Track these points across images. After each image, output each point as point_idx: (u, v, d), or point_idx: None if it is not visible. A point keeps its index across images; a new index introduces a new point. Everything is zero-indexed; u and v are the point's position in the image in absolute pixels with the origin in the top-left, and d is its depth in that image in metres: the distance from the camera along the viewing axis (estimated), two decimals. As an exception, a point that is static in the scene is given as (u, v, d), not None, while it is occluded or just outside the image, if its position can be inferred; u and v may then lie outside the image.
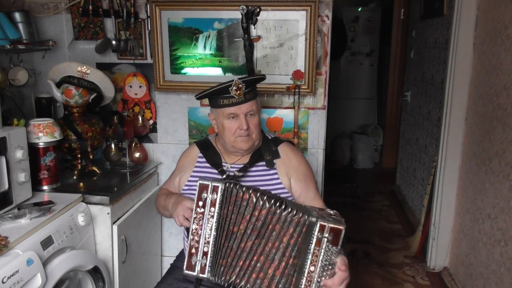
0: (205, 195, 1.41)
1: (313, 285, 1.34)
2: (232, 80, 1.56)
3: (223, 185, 1.40)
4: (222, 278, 1.41)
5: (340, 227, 1.34)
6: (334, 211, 1.43)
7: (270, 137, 1.77)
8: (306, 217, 1.36)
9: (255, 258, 1.39)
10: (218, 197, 1.40)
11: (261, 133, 1.72)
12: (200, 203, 1.42)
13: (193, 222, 1.42)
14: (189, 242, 1.43)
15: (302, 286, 1.34)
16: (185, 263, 1.42)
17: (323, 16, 2.09)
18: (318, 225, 1.33)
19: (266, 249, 1.39)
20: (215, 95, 1.61)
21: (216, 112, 1.65)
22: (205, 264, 1.40)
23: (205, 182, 1.42)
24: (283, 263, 1.37)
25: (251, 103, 1.61)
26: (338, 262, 1.34)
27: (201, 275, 1.41)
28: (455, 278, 2.65)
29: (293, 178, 1.66)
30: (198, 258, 1.41)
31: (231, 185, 1.41)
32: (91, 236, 1.81)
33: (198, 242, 1.41)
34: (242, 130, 1.60)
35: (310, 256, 1.34)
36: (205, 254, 1.41)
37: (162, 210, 1.74)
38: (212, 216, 1.41)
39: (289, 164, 1.69)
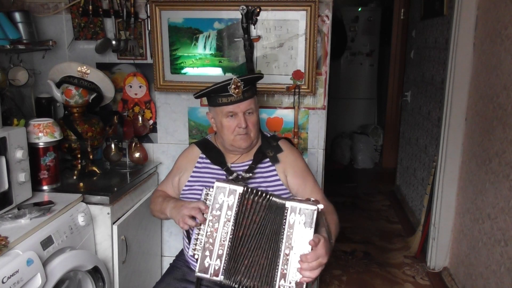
0: (222, 197, 1.42)
1: (288, 267, 1.34)
2: (231, 79, 1.56)
3: (241, 188, 1.41)
4: (232, 279, 1.41)
5: (311, 208, 1.34)
6: (314, 198, 1.42)
7: (268, 135, 1.78)
8: (278, 201, 1.39)
9: (257, 253, 1.40)
10: (235, 201, 1.41)
11: (260, 131, 1.72)
12: (217, 206, 1.42)
13: (208, 225, 1.42)
14: (202, 244, 1.42)
15: (279, 269, 1.35)
16: (198, 265, 1.42)
17: (323, 16, 2.09)
18: (289, 207, 1.36)
19: (263, 244, 1.40)
20: (213, 94, 1.61)
21: (214, 110, 1.65)
22: (219, 267, 1.40)
23: (222, 185, 1.43)
24: (269, 251, 1.39)
25: (249, 102, 1.61)
26: (311, 239, 1.32)
27: (214, 277, 1.40)
28: (455, 278, 2.65)
29: (289, 175, 1.67)
30: (211, 261, 1.41)
31: (249, 189, 1.41)
32: (91, 236, 1.81)
33: (212, 244, 1.41)
34: (241, 128, 1.60)
35: (284, 238, 1.35)
36: (219, 257, 1.40)
37: (158, 213, 1.73)
38: (229, 220, 1.41)
39: (286, 160, 1.69)
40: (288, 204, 1.36)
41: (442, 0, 2.89)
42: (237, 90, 1.56)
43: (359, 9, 5.61)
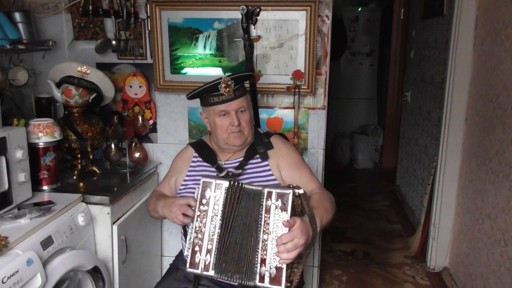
0: (209, 193, 1.43)
1: (267, 252, 1.34)
2: (221, 78, 1.57)
3: (227, 183, 1.42)
4: (224, 273, 1.41)
5: (286, 192, 1.34)
6: (297, 185, 1.42)
7: (262, 132, 1.79)
8: (255, 188, 1.40)
9: (243, 243, 1.41)
10: (222, 195, 1.42)
11: (253, 128, 1.73)
12: (204, 201, 1.43)
13: (196, 220, 1.43)
14: (192, 240, 1.43)
15: (259, 255, 1.36)
16: (188, 261, 1.43)
17: (323, 16, 2.09)
18: (265, 192, 1.37)
19: (247, 233, 1.41)
20: (205, 94, 1.62)
21: (207, 110, 1.67)
22: (209, 262, 1.41)
23: (208, 180, 1.44)
24: (251, 239, 1.40)
25: (241, 100, 1.62)
26: (286, 220, 1.32)
27: (205, 272, 1.41)
28: (455, 278, 2.65)
29: (283, 169, 1.67)
30: (201, 256, 1.41)
31: (235, 183, 1.42)
32: (91, 236, 1.81)
33: (201, 240, 1.42)
34: (234, 127, 1.62)
35: (262, 224, 1.36)
36: (209, 251, 1.41)
37: (153, 213, 1.75)
38: (216, 214, 1.42)
39: (279, 153, 1.70)
40: (265, 190, 1.38)
41: (442, 0, 2.89)
42: (227, 89, 1.58)
43: (359, 9, 5.60)
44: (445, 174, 2.69)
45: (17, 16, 1.99)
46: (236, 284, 1.43)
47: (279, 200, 1.34)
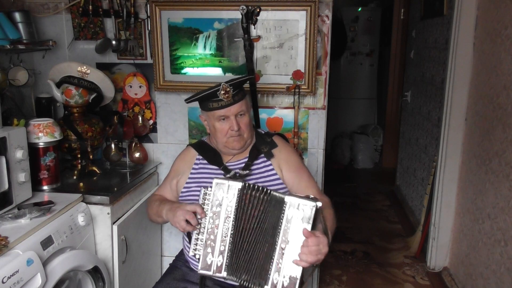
0: (222, 194, 1.43)
1: (283, 261, 1.35)
2: (220, 84, 1.57)
3: (240, 184, 1.42)
4: (236, 274, 1.42)
5: (310, 204, 1.34)
6: (313, 196, 1.42)
7: (262, 132, 1.80)
8: (278, 195, 1.39)
9: (256, 247, 1.41)
10: (235, 196, 1.42)
11: (253, 130, 1.73)
12: (217, 202, 1.43)
13: (209, 222, 1.43)
14: (203, 242, 1.43)
15: (274, 262, 1.36)
16: (200, 263, 1.43)
17: (323, 16, 2.09)
18: (288, 202, 1.37)
19: (261, 238, 1.41)
20: (204, 99, 1.62)
21: (206, 114, 1.66)
22: (222, 263, 1.41)
23: (222, 181, 1.44)
24: (266, 244, 1.40)
25: (240, 104, 1.62)
26: (307, 234, 1.33)
27: (217, 274, 1.42)
28: (455, 278, 2.65)
29: (284, 170, 1.68)
30: (214, 258, 1.42)
31: (247, 185, 1.43)
32: (91, 236, 1.81)
33: (214, 241, 1.42)
34: (234, 131, 1.62)
35: (281, 232, 1.36)
36: (221, 253, 1.42)
37: (155, 217, 1.73)
38: (229, 216, 1.42)
39: (280, 154, 1.70)
40: (287, 199, 1.37)
41: (442, 0, 2.89)
42: (226, 95, 1.58)
43: (359, 9, 5.60)
44: (445, 174, 2.69)
45: (17, 16, 1.99)
46: (238, 284, 1.43)
47: (302, 211, 1.34)
